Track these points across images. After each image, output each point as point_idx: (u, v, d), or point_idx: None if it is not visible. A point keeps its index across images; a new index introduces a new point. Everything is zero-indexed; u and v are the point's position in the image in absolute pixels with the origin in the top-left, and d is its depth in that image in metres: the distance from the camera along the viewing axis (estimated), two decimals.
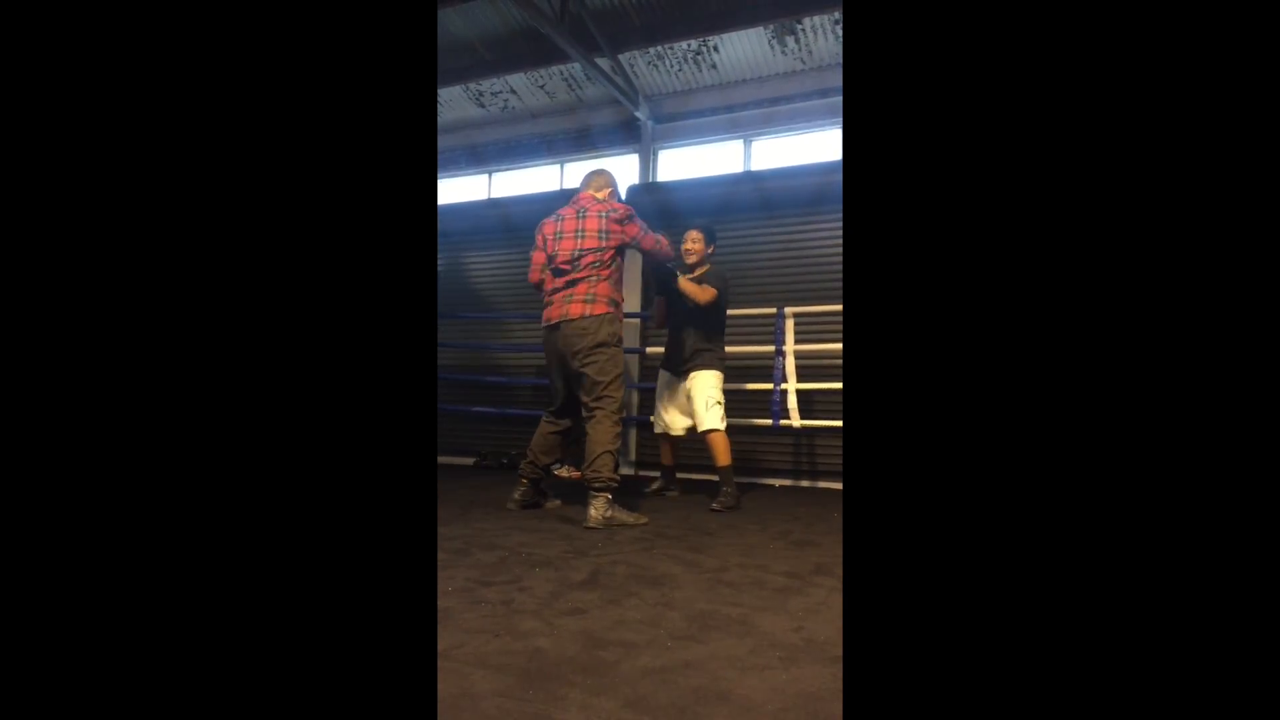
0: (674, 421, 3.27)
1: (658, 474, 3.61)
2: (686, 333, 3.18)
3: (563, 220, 2.75)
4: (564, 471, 4.01)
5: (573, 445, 3.58)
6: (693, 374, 3.14)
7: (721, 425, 3.08)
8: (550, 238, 2.77)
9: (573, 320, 2.63)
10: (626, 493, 3.08)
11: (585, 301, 2.64)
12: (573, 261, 2.66)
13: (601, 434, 2.60)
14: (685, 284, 3.06)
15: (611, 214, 2.68)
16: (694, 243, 3.25)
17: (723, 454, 3.05)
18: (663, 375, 3.31)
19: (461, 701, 0.97)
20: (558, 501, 2.98)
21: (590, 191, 2.81)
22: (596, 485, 2.54)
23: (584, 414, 2.69)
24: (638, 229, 2.72)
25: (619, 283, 2.74)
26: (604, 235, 2.65)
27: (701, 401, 3.08)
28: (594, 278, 2.65)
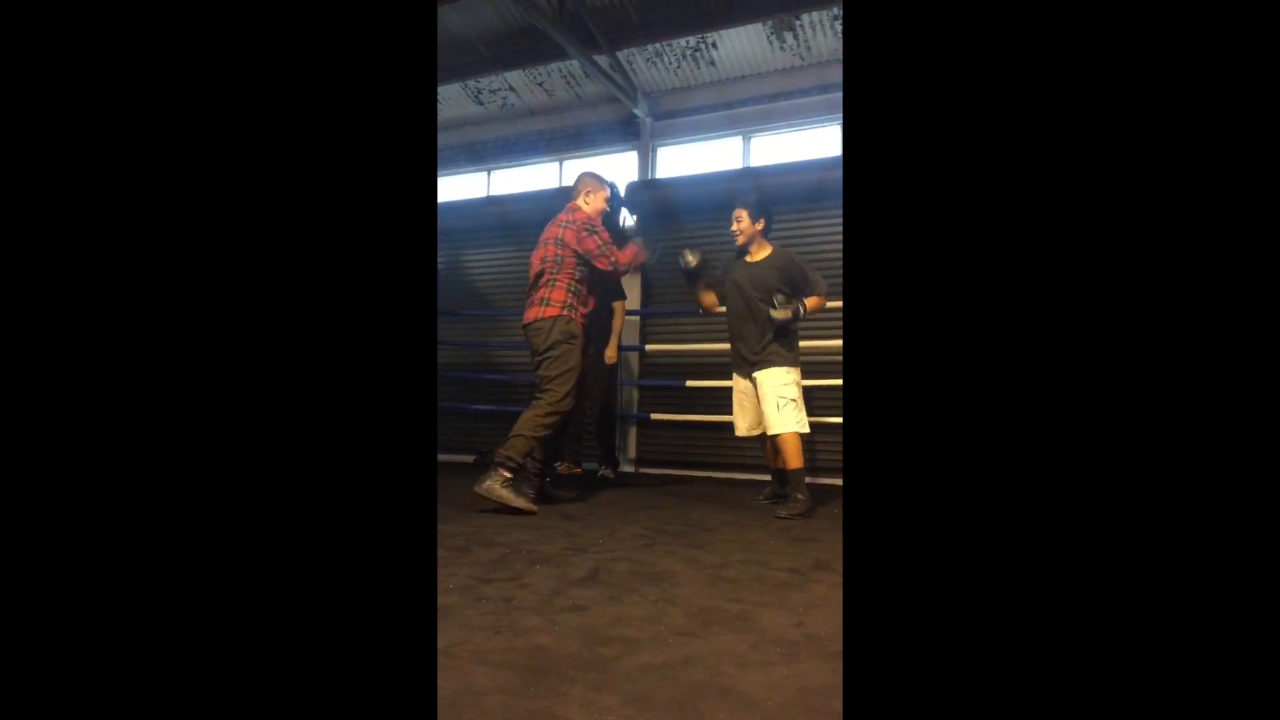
0: (740, 422, 3.02)
1: (664, 471, 3.59)
2: (748, 329, 2.90)
3: (551, 225, 2.93)
4: (563, 468, 4.01)
5: (570, 439, 3.61)
6: (761, 371, 2.85)
7: (796, 426, 2.79)
8: (541, 241, 2.96)
9: (529, 324, 2.83)
10: (639, 486, 3.09)
11: (540, 305, 2.81)
12: (540, 267, 2.85)
13: (531, 418, 2.72)
14: (812, 304, 2.82)
15: (571, 224, 2.83)
16: (738, 221, 2.95)
17: (794, 456, 2.79)
18: (735, 378, 3.04)
19: (463, 699, 0.98)
20: (560, 492, 3.12)
21: (578, 200, 2.96)
22: (499, 460, 2.67)
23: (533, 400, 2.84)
24: (593, 244, 2.81)
25: (579, 286, 2.85)
26: (560, 243, 2.82)
27: (772, 402, 2.80)
28: (551, 281, 2.81)
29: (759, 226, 2.95)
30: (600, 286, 3.31)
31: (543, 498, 2.97)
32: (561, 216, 2.89)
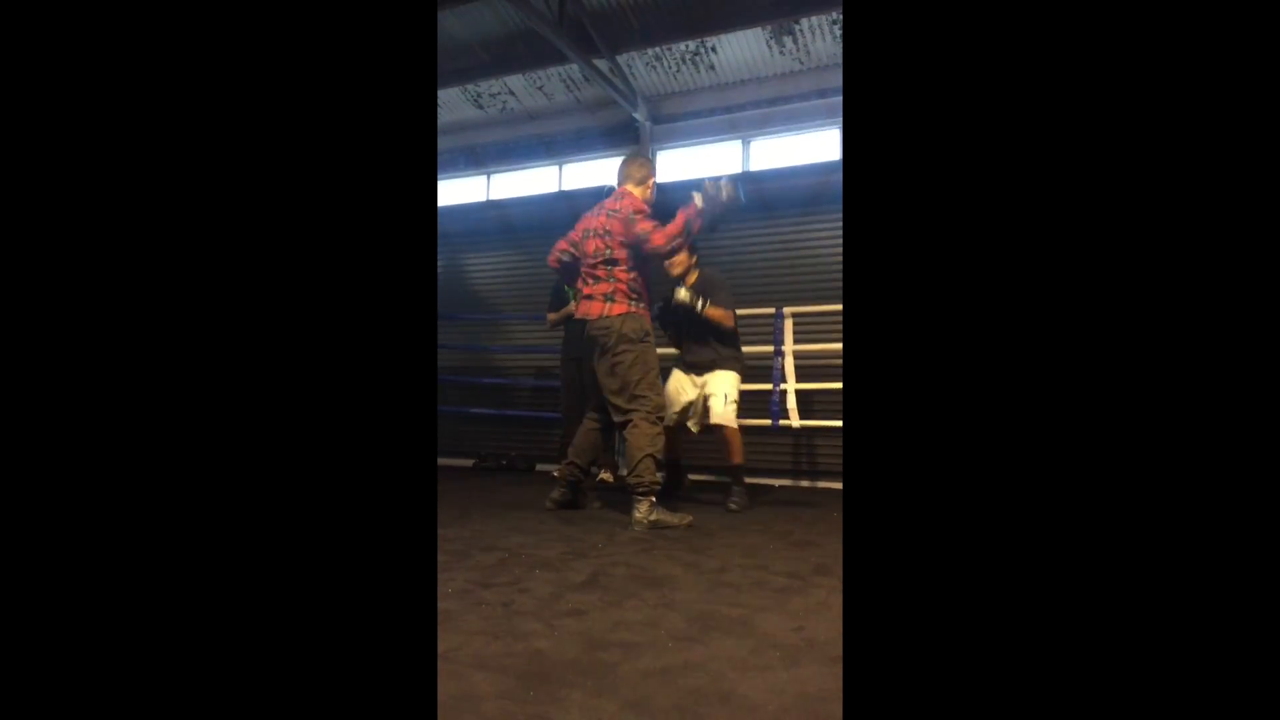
0: (669, 413, 3.27)
1: (663, 475, 3.60)
2: (705, 340, 3.18)
3: (595, 216, 2.71)
4: (605, 475, 3.98)
5: (608, 447, 3.54)
6: (714, 373, 3.15)
7: (735, 423, 3.09)
8: (582, 231, 2.74)
9: (593, 320, 2.63)
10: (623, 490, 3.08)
11: (604, 300, 2.61)
12: (594, 260, 2.66)
13: (639, 438, 2.57)
14: (712, 312, 3.06)
15: (617, 213, 2.61)
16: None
17: (737, 451, 3.08)
18: (676, 373, 3.28)
19: (462, 703, 0.97)
20: (598, 503, 2.99)
21: (628, 185, 2.73)
22: (640, 490, 2.52)
23: (617, 418, 2.65)
24: (644, 226, 2.56)
25: (640, 280, 2.65)
26: (607, 235, 2.61)
27: (720, 395, 3.08)
28: (610, 276, 2.61)
29: (693, 260, 3.23)
30: None
31: (566, 504, 2.87)
32: (607, 203, 2.67)
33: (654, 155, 5.41)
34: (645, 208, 2.65)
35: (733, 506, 2.98)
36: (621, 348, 2.57)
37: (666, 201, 4.78)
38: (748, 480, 4.01)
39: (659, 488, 2.57)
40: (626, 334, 2.57)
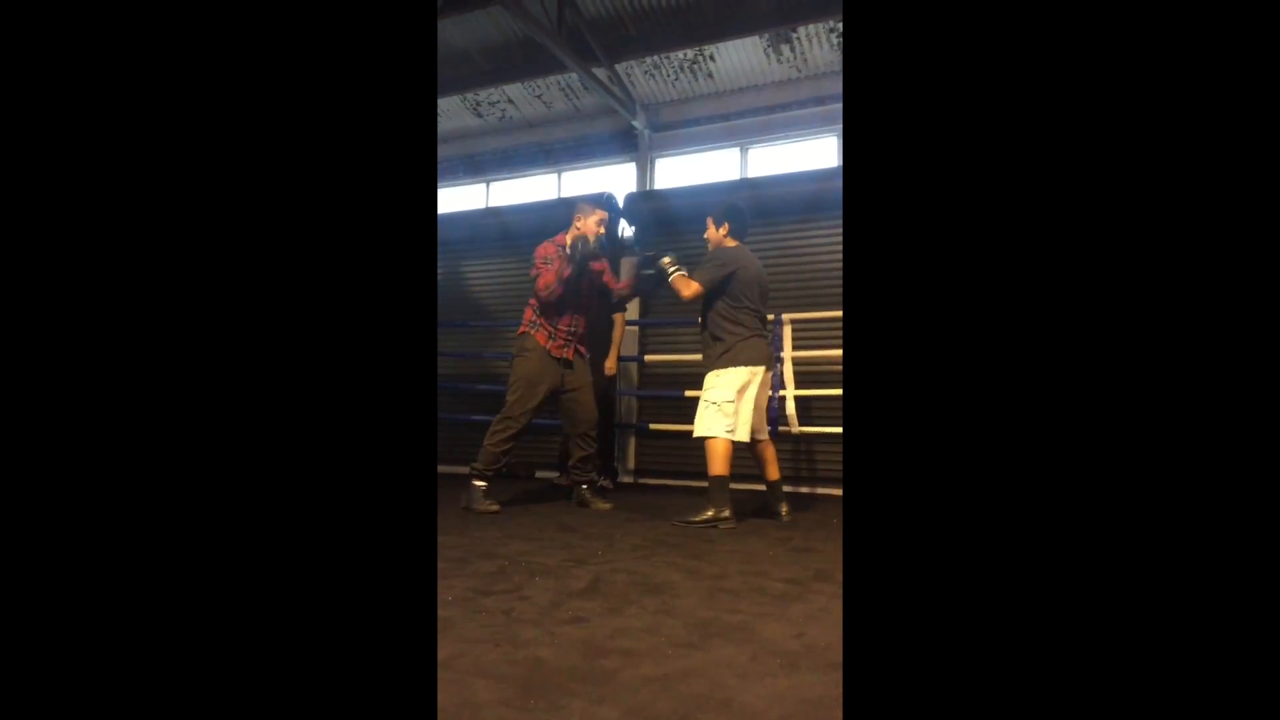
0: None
1: (662, 481, 3.57)
2: (705, 330, 2.84)
3: None
4: (604, 481, 3.97)
5: (574, 450, 3.60)
6: (708, 374, 2.78)
7: (715, 431, 2.68)
8: None
9: None
10: (638, 496, 3.08)
11: None
12: None
13: (489, 432, 3.05)
14: (676, 281, 2.79)
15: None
16: (707, 229, 2.94)
17: (713, 461, 2.68)
18: None
19: (463, 712, 0.97)
20: (608, 505, 3.19)
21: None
22: (472, 473, 3.01)
23: None
24: (537, 264, 3.06)
25: (538, 309, 3.09)
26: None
27: (701, 404, 2.75)
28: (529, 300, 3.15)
29: (722, 231, 2.88)
30: (600, 298, 3.32)
31: (582, 503, 3.18)
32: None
33: (653, 162, 5.43)
34: (550, 246, 3.07)
35: (676, 520, 2.65)
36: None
37: (661, 210, 4.80)
38: (746, 486, 3.99)
39: (476, 474, 2.98)
40: (514, 350, 3.11)
